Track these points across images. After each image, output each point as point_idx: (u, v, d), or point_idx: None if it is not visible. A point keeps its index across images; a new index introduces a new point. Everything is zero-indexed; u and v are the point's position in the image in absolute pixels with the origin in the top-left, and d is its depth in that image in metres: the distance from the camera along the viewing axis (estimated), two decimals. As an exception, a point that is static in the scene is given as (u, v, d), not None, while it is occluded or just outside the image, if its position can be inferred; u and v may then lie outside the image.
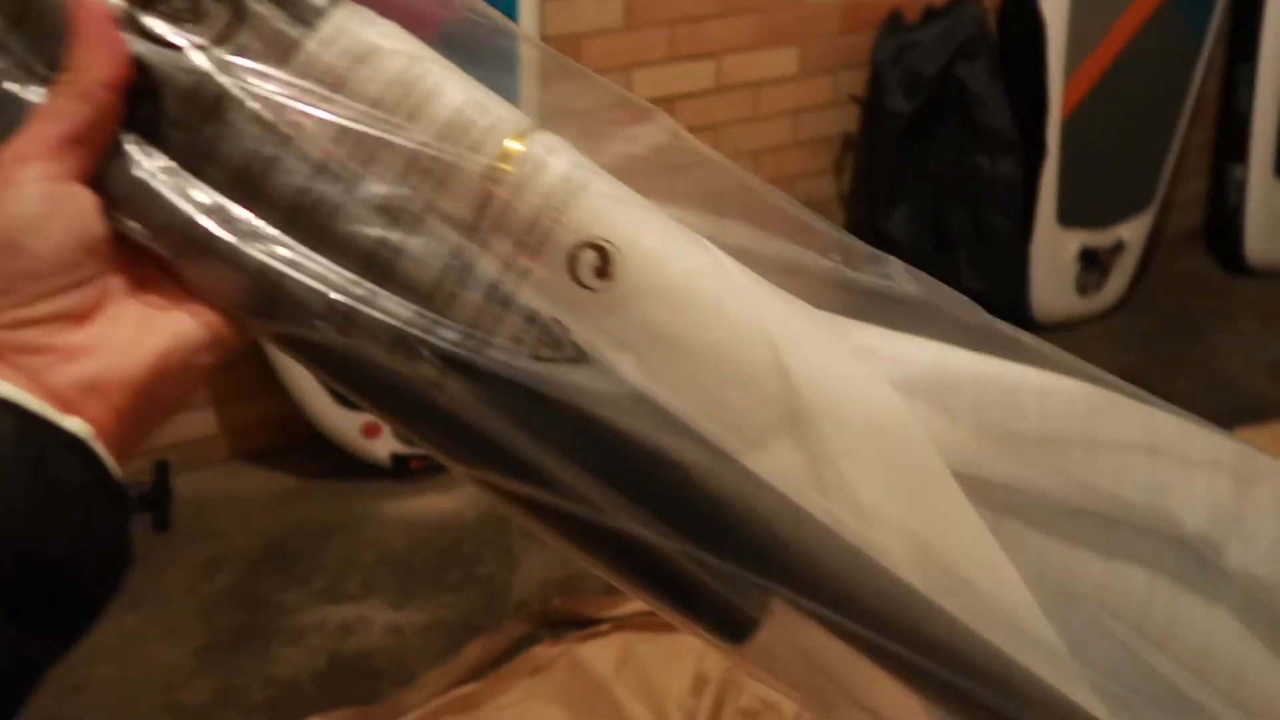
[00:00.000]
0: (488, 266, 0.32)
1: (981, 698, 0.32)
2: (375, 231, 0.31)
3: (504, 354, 0.31)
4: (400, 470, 1.77)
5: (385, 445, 1.75)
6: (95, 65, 0.29)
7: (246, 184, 0.31)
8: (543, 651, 1.35)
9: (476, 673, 1.36)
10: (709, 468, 0.32)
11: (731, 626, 0.33)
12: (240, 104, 0.31)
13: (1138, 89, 2.12)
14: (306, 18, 0.31)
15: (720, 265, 0.33)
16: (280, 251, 0.30)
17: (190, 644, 1.45)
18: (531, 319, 0.32)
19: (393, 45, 0.32)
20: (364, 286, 0.31)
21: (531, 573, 1.56)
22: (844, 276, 0.35)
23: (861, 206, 2.19)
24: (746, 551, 0.32)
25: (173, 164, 0.31)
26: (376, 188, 0.31)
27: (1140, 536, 0.36)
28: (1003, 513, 0.34)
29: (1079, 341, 2.22)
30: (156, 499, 1.75)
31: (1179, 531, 0.36)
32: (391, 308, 0.31)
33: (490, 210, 0.31)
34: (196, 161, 0.31)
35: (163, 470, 1.81)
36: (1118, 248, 2.21)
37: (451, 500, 1.74)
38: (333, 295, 0.30)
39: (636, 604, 1.40)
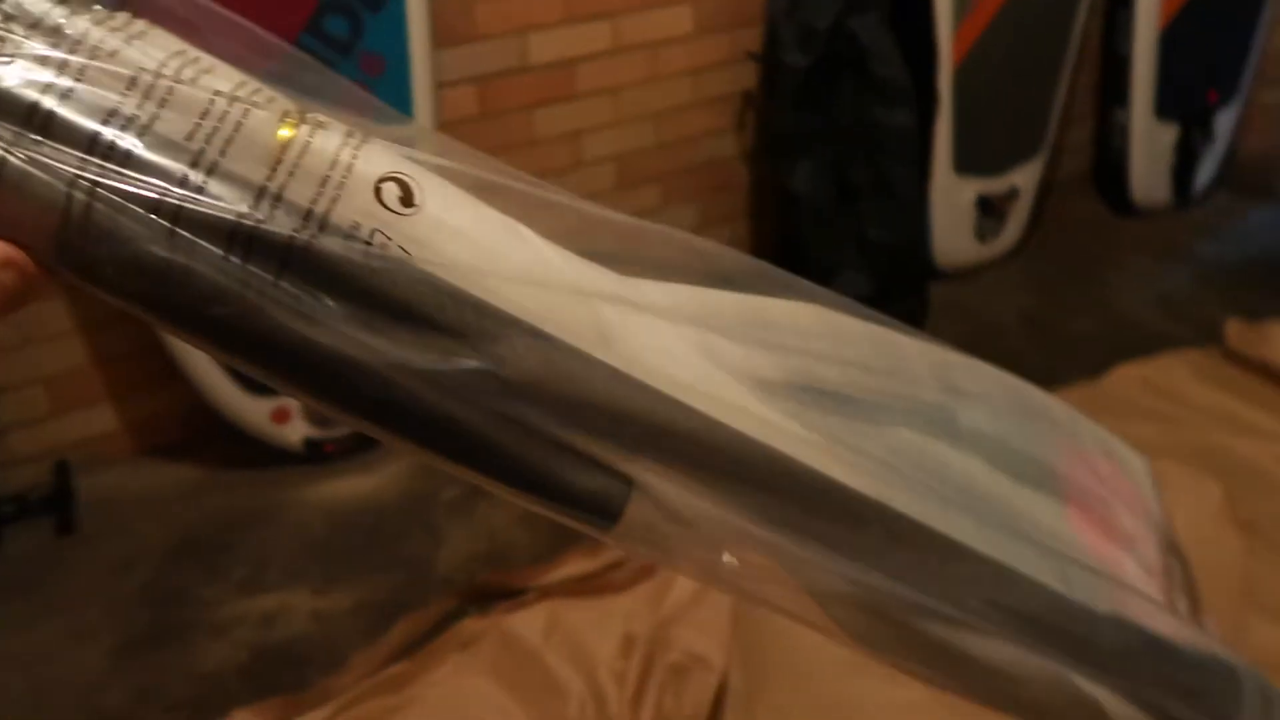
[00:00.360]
0: (298, 196, 0.32)
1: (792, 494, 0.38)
2: (177, 168, 0.30)
3: (342, 242, 0.31)
4: (314, 454, 1.74)
5: (297, 430, 1.71)
6: None
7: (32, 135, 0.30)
8: (471, 625, 1.34)
9: (405, 652, 1.35)
10: (551, 351, 0.34)
11: (603, 507, 0.36)
12: (14, 59, 0.30)
13: (1024, 36, 2.18)
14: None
15: (506, 219, 0.36)
16: (88, 172, 0.30)
17: (105, 646, 1.41)
18: (353, 232, 0.32)
19: (161, 30, 0.33)
20: (189, 186, 0.30)
21: (456, 548, 1.55)
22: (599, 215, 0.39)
23: (765, 164, 2.21)
24: (604, 423, 0.35)
25: None
26: (171, 131, 0.31)
27: (898, 410, 0.43)
28: (785, 401, 0.40)
29: (981, 287, 2.28)
30: (58, 501, 1.68)
31: (923, 403, 0.44)
32: (224, 196, 0.30)
33: (287, 159, 0.32)
34: None
35: (63, 471, 1.74)
36: (1012, 194, 2.27)
37: (371, 480, 1.71)
38: (157, 196, 0.30)
39: (562, 571, 1.41)
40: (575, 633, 1.29)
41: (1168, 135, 2.47)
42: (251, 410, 1.69)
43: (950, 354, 0.48)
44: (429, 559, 1.54)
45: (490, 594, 1.41)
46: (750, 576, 0.38)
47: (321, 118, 0.34)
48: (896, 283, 2.01)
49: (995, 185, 2.26)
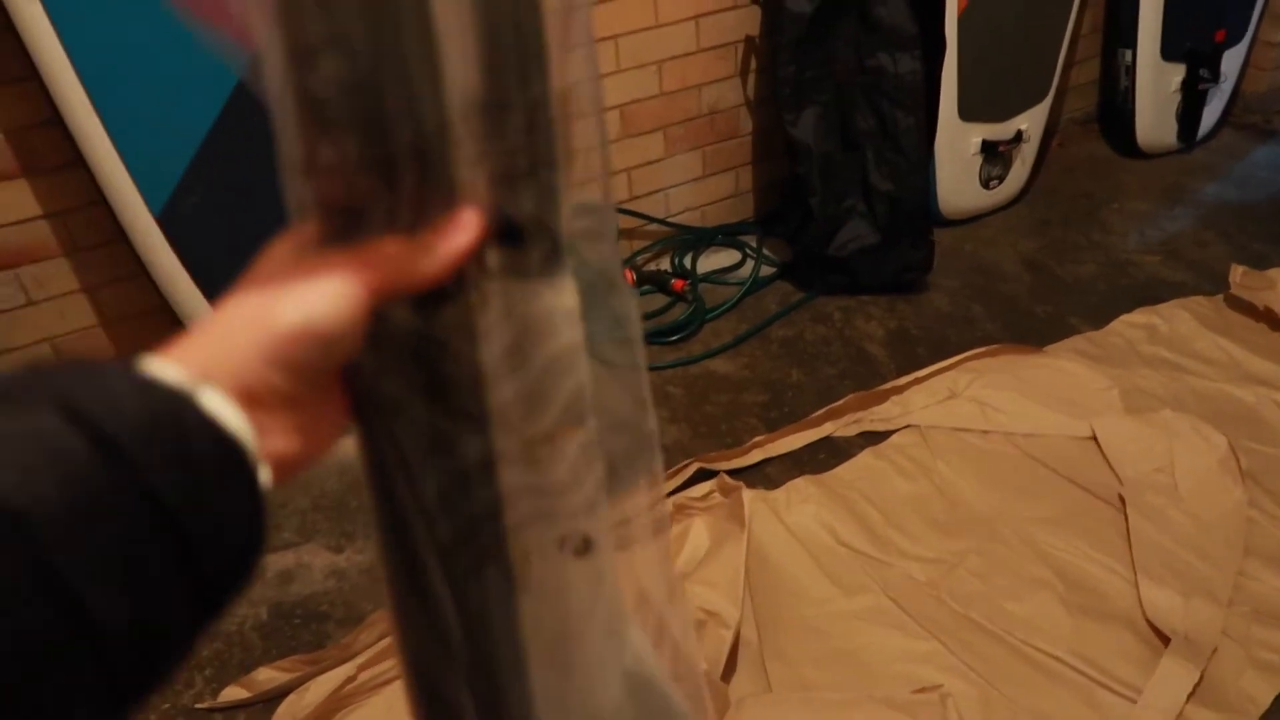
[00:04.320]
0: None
1: None
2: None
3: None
4: (324, 412, 1.74)
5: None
6: (459, 241, 0.33)
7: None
8: (487, 582, 1.36)
9: (423, 608, 1.37)
10: None
11: None
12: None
13: (1031, -22, 2.14)
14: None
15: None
16: None
17: (125, 606, 1.43)
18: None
19: None
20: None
21: (468, 504, 1.57)
22: None
23: (769, 112, 2.19)
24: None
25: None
26: None
27: None
28: None
29: (985, 233, 2.28)
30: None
31: None
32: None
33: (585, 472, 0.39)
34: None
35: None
36: (1018, 139, 2.25)
37: (380, 438, 1.72)
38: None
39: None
40: (590, 589, 1.31)
41: (1174, 77, 2.45)
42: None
43: None
44: (442, 515, 1.56)
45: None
46: None
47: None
48: (902, 231, 2.00)
49: (1001, 131, 2.23)
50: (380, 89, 0.30)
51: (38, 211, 1.61)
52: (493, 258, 0.34)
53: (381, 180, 0.32)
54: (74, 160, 1.48)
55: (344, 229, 0.33)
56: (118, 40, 1.39)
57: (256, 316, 0.31)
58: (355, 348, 0.34)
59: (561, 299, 0.36)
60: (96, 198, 1.51)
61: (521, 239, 0.34)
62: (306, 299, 0.31)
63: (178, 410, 0.28)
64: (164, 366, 0.29)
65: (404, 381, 0.35)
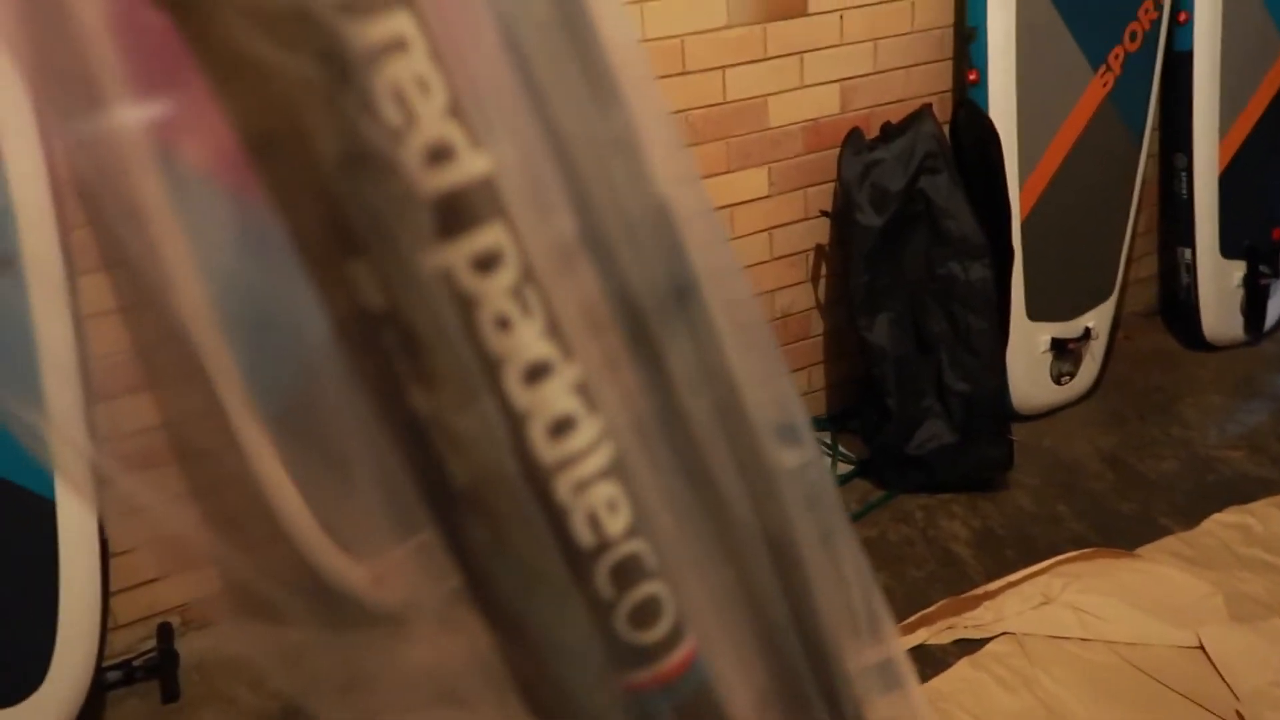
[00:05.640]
0: None
1: None
2: None
3: None
4: (412, 616, 1.75)
5: (396, 591, 1.73)
6: None
7: None
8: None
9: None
10: None
11: None
12: None
13: (1087, 187, 2.24)
14: None
15: None
16: None
17: (216, 824, 1.41)
18: None
19: None
20: None
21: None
22: None
23: (840, 315, 2.26)
24: None
25: None
26: None
27: None
28: None
29: (1061, 428, 2.28)
30: (162, 666, 1.71)
31: None
32: None
33: None
34: None
35: (166, 635, 1.77)
36: (1085, 336, 2.29)
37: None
38: None
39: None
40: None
41: (1235, 273, 2.50)
42: (351, 571, 1.72)
43: None
44: None
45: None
46: None
47: None
48: (979, 430, 2.02)
49: (1068, 329, 2.28)
50: None
51: (156, 422, 1.70)
52: None
53: None
54: (192, 373, 1.58)
55: None
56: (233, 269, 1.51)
57: None
58: None
59: None
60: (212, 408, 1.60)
61: None
62: None
63: None
64: None
65: None
